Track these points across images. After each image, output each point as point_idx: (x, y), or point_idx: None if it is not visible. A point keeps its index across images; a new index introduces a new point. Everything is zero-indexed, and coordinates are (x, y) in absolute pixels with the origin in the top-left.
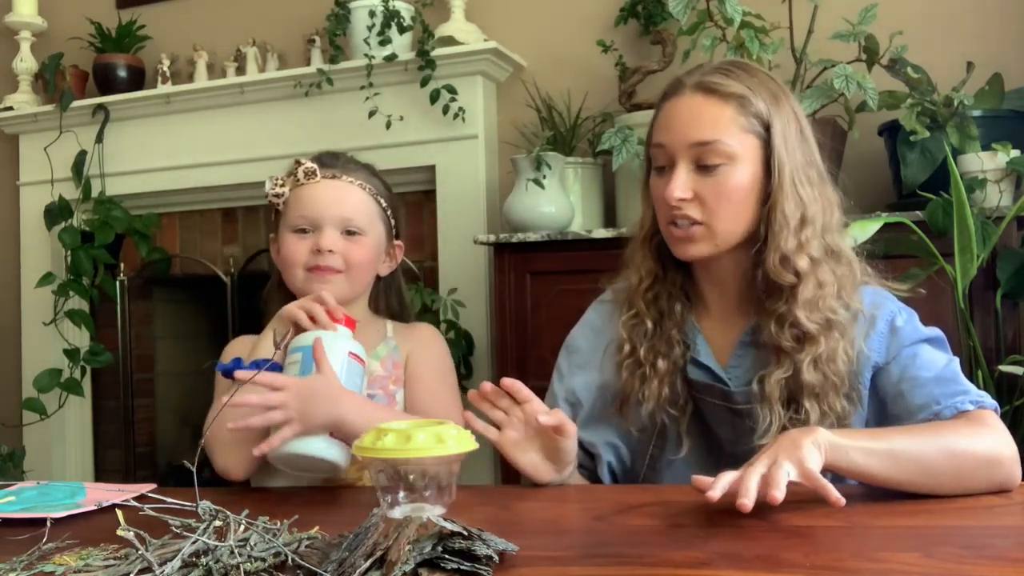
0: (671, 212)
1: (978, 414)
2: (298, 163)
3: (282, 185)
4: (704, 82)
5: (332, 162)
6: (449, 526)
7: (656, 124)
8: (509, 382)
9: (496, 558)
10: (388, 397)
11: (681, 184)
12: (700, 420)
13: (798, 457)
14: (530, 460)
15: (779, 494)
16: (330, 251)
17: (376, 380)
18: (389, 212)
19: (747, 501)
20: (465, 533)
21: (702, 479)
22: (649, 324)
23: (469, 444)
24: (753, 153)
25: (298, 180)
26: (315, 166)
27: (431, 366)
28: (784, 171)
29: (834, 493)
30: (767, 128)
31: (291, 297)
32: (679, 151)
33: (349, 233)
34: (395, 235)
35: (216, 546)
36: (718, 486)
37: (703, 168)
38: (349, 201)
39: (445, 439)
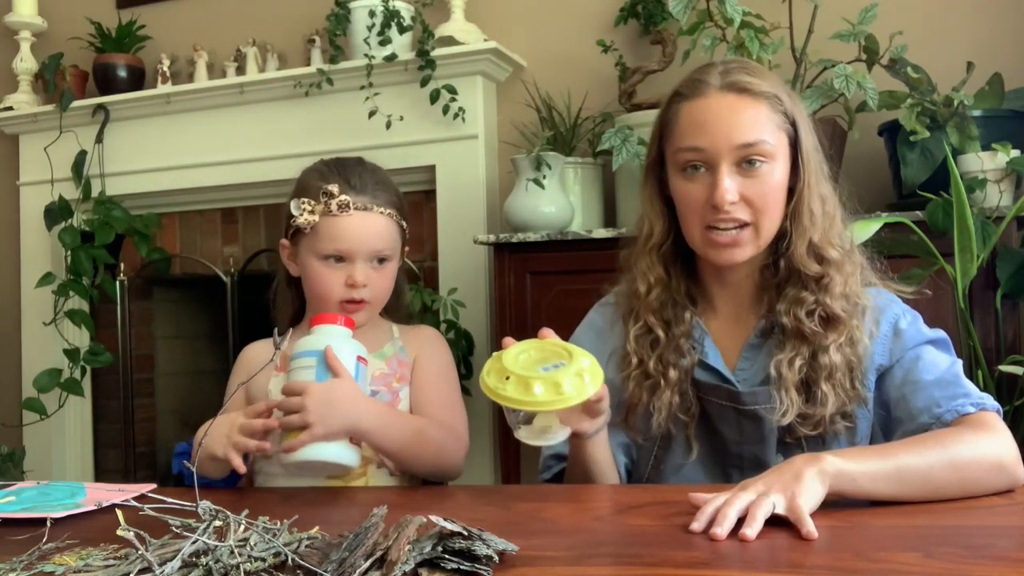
0: (715, 216)
1: (979, 417)
2: (329, 194)
3: (312, 213)
4: (735, 82)
5: (360, 186)
6: (449, 526)
7: (682, 127)
8: (547, 332)
9: (496, 558)
10: (392, 394)
11: (731, 187)
12: (706, 421)
13: (793, 491)
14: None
15: (751, 533)
16: (363, 285)
17: (381, 378)
18: (405, 226)
19: (720, 531)
20: (465, 533)
21: (697, 496)
22: (657, 334)
23: (584, 392)
24: (784, 150)
25: (330, 211)
26: (348, 199)
27: (436, 369)
28: (810, 166)
29: (807, 526)
30: (793, 124)
31: (299, 296)
32: (722, 153)
33: (379, 261)
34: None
35: (216, 546)
36: (702, 518)
37: (744, 169)
38: (380, 233)
39: (561, 388)
